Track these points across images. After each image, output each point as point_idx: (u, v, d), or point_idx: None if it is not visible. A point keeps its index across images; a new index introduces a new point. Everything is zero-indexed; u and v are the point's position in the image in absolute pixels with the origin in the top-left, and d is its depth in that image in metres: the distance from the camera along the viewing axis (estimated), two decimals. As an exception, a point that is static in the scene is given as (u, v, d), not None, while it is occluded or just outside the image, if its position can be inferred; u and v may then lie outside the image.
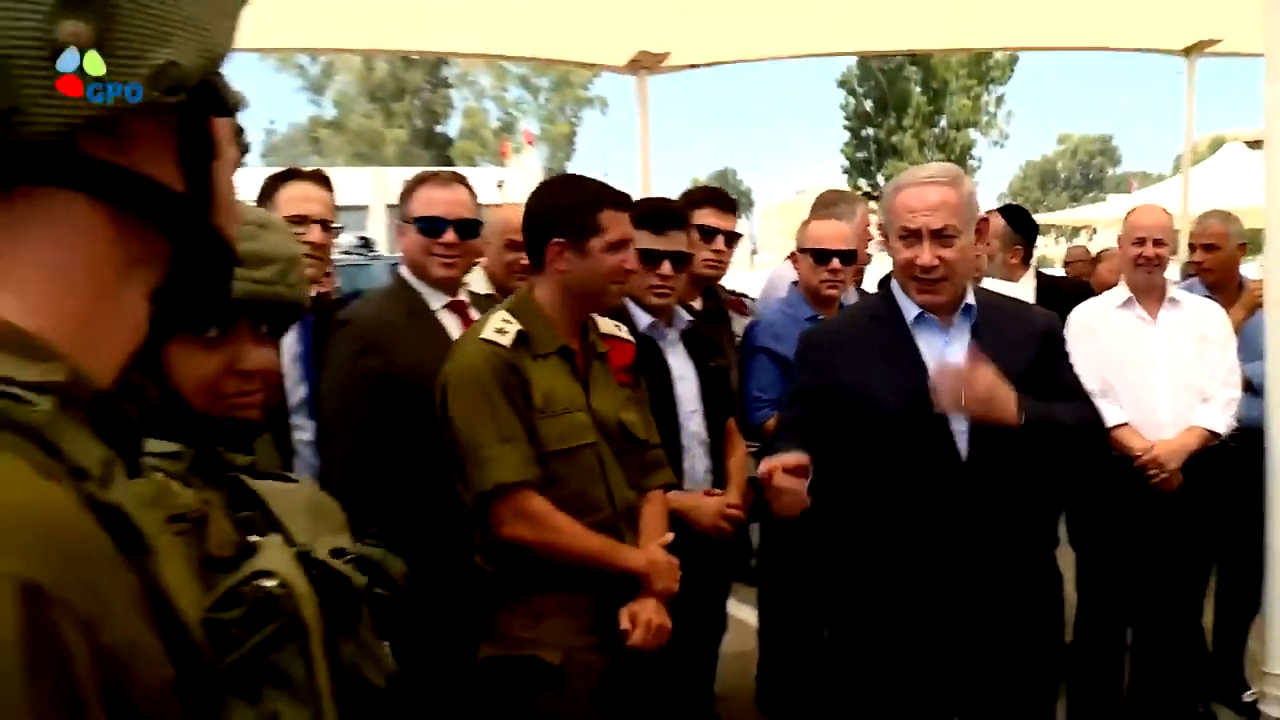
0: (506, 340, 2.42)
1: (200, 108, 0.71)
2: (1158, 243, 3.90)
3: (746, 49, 6.58)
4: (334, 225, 2.96)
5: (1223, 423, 3.81)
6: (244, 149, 0.83)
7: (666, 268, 3.04)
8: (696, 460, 3.11)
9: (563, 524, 2.42)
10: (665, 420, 2.99)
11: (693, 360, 3.16)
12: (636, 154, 6.36)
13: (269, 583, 0.82)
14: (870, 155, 37.00)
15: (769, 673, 4.01)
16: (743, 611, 4.39)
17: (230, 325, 1.36)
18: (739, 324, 3.86)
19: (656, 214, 3.10)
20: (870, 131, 38.73)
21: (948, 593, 2.47)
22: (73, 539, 0.57)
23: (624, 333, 2.73)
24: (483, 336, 2.43)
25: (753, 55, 6.86)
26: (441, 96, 51.23)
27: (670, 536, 2.59)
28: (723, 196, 3.75)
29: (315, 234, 2.75)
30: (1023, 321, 2.63)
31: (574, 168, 45.16)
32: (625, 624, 2.43)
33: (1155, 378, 3.86)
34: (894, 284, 2.61)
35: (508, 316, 2.49)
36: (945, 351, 2.50)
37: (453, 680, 2.53)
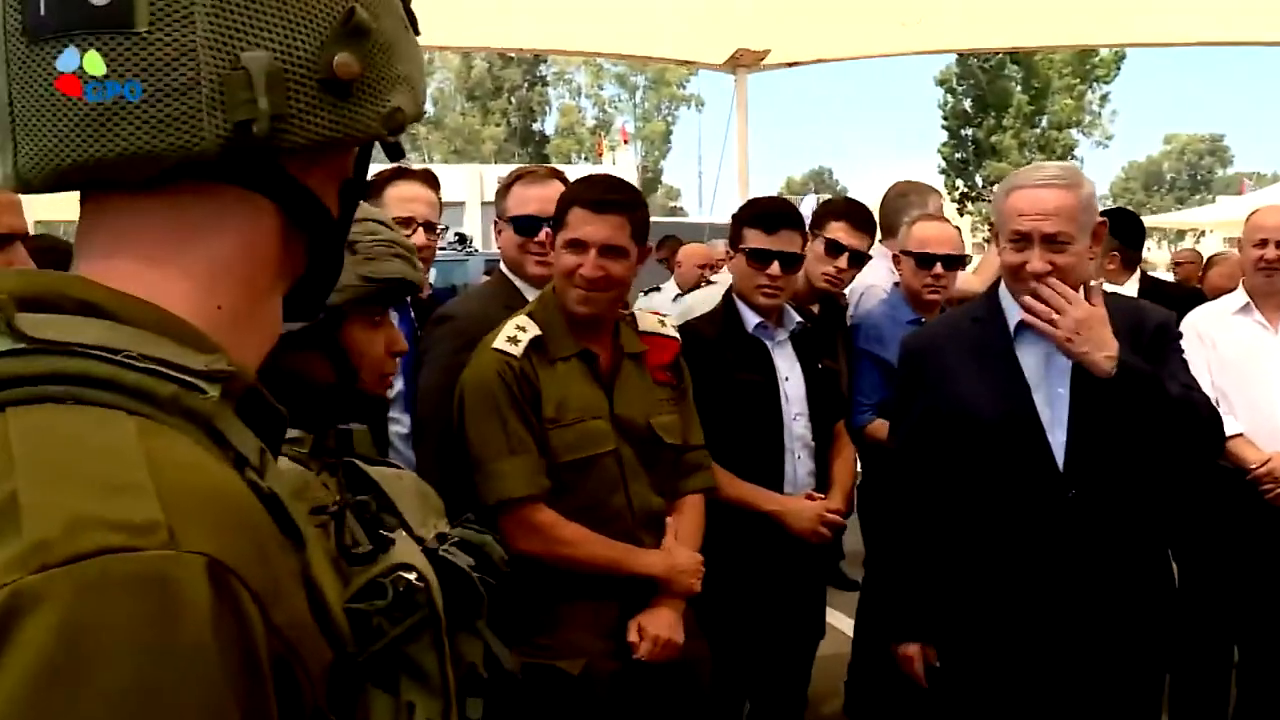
0: (517, 349, 2.38)
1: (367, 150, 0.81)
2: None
3: (845, 47, 6.51)
4: (439, 226, 2.97)
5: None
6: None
7: (775, 268, 2.99)
8: (799, 463, 3.07)
9: (573, 535, 2.38)
10: (769, 421, 2.98)
11: (801, 361, 3.11)
12: (733, 152, 6.33)
13: (410, 575, 0.87)
14: (968, 155, 36.39)
15: (860, 680, 3.94)
16: (834, 617, 4.33)
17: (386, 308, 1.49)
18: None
19: (767, 213, 3.07)
20: (969, 131, 38.09)
21: (1044, 608, 2.40)
22: (250, 522, 0.61)
23: (668, 329, 2.66)
24: (494, 346, 2.40)
25: (851, 53, 6.79)
26: (538, 94, 51.68)
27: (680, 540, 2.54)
28: (860, 213, 3.64)
29: (420, 238, 2.75)
30: (1135, 320, 2.50)
31: (669, 165, 45.32)
32: (633, 637, 2.40)
33: (1274, 387, 3.70)
34: (1001, 287, 2.54)
35: (523, 322, 2.45)
36: (1049, 360, 2.42)
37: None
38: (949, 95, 39.11)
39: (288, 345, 1.28)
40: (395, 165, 2.67)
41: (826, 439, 3.17)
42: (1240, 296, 3.85)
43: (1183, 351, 2.61)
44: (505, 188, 2.97)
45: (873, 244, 3.67)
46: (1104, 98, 39.07)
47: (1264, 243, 3.76)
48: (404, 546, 0.92)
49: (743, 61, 6.16)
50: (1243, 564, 3.70)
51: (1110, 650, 2.43)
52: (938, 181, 33.96)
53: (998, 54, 31.44)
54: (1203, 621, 3.76)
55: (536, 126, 51.80)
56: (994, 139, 35.87)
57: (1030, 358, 2.44)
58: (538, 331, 2.43)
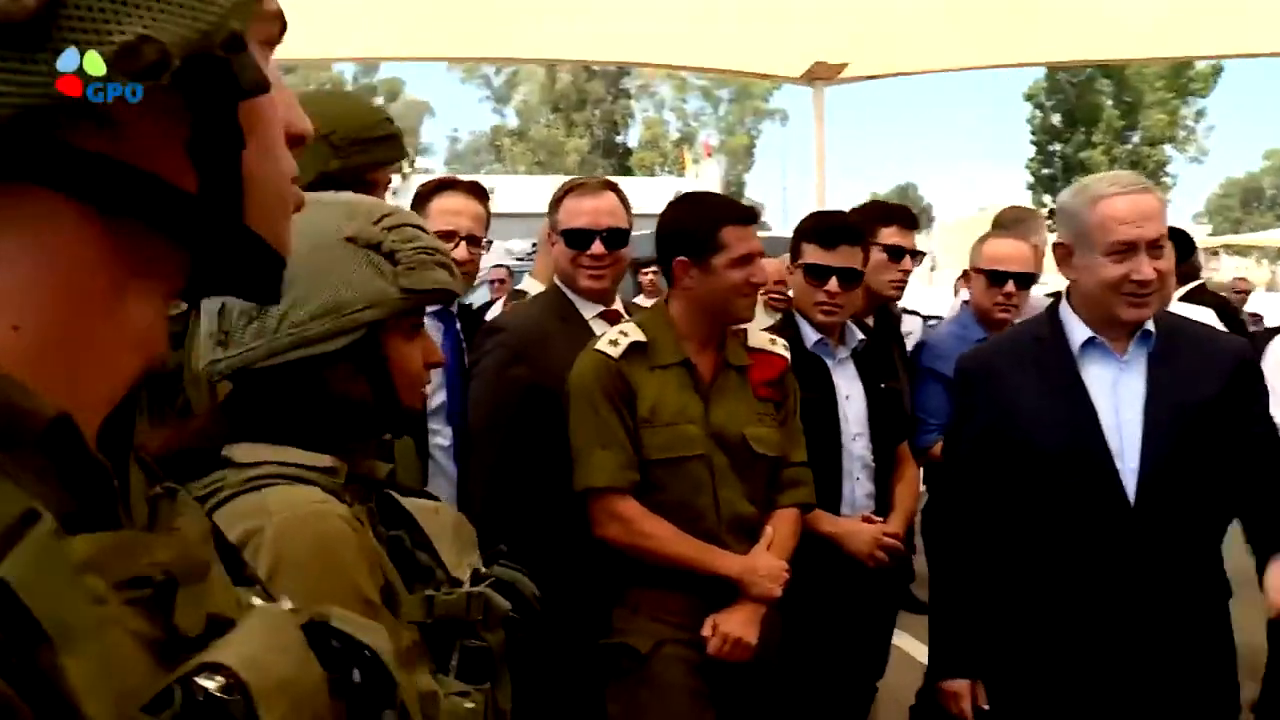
0: (617, 351, 2.50)
1: (222, 91, 0.58)
2: None
3: (926, 60, 6.41)
4: (484, 240, 2.97)
5: None
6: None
7: (834, 284, 2.95)
8: (858, 485, 3.02)
9: (655, 529, 2.47)
10: (827, 441, 2.93)
11: (863, 381, 3.07)
12: (813, 166, 6.29)
13: (211, 683, 0.54)
14: (1056, 172, 35.79)
15: (927, 706, 3.86)
16: (905, 641, 4.25)
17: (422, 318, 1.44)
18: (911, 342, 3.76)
19: (826, 229, 3.04)
20: (1057, 147, 37.50)
21: (1111, 645, 2.30)
22: None
23: (779, 348, 2.70)
24: (596, 347, 2.53)
25: (933, 66, 6.68)
26: (622, 107, 51.99)
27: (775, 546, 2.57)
28: (906, 213, 3.65)
29: (461, 252, 2.76)
30: (1209, 350, 2.41)
31: (752, 179, 45.30)
32: (706, 631, 2.46)
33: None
34: (1062, 305, 2.44)
35: (627, 329, 2.57)
36: (1118, 381, 2.34)
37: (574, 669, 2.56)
38: (1037, 111, 38.55)
39: (324, 364, 1.32)
40: (441, 177, 2.67)
41: (888, 460, 3.11)
42: None
43: (1267, 392, 2.51)
44: (557, 200, 2.94)
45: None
46: (1200, 112, 38.14)
47: None
48: (244, 634, 0.59)
49: (820, 74, 6.11)
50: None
51: (1171, 699, 2.32)
52: (1025, 198, 33.47)
53: (1086, 67, 30.91)
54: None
55: (620, 139, 52.08)
56: (1083, 155, 35.25)
57: (1097, 379, 2.35)
58: (640, 337, 2.54)
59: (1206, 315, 3.86)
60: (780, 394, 2.67)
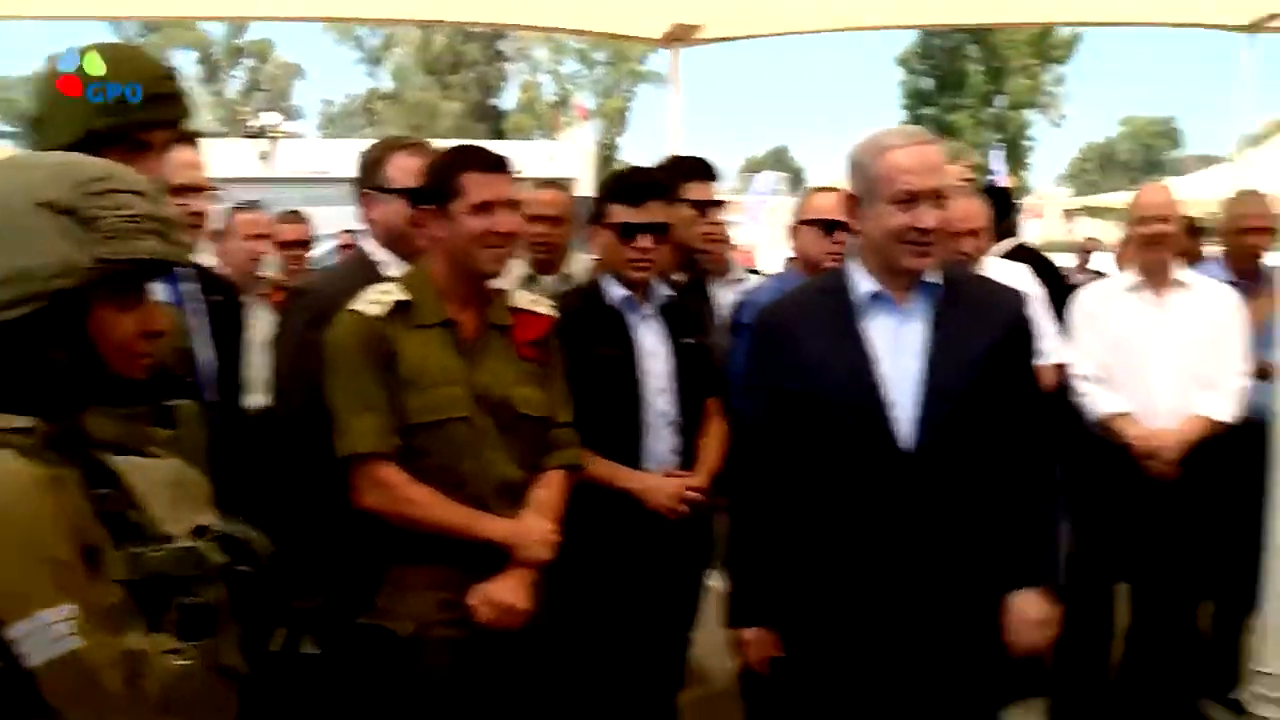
0: (377, 310, 2.43)
1: None
2: (1163, 220, 3.77)
3: (789, 21, 6.42)
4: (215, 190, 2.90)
5: (1229, 412, 3.70)
6: None
7: (643, 241, 2.97)
8: (661, 440, 3.02)
9: (419, 495, 2.41)
10: (629, 397, 2.95)
11: (670, 336, 3.08)
12: (679, 129, 6.26)
13: None
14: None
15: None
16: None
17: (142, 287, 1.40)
18: (724, 296, 3.81)
19: (630, 186, 3.05)
20: (927, 110, 38.21)
21: (893, 590, 2.35)
22: None
23: (542, 307, 2.68)
24: (354, 307, 2.45)
25: (795, 28, 6.69)
26: (497, 70, 51.22)
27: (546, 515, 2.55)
28: (706, 166, 3.70)
29: (202, 204, 2.70)
30: (989, 303, 2.48)
31: (627, 143, 45.07)
32: (473, 600, 2.42)
33: (1158, 363, 3.75)
34: (850, 259, 2.49)
35: (390, 287, 2.49)
36: (899, 332, 2.38)
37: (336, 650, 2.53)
38: (910, 74, 39.21)
39: (19, 329, 1.26)
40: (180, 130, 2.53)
41: (696, 415, 3.11)
42: (1131, 275, 3.89)
43: (1035, 355, 2.60)
44: (377, 159, 2.87)
45: None
46: (1060, 79, 39.26)
47: (1147, 220, 3.79)
48: None
49: (678, 36, 6.10)
50: (1130, 538, 3.75)
51: (962, 636, 2.39)
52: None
53: (949, 30, 31.51)
54: (1088, 590, 3.82)
55: (495, 103, 51.34)
56: (951, 118, 36.02)
57: (879, 330, 2.39)
58: (402, 296, 2.47)
59: (1021, 271, 4.01)
60: (545, 354, 2.63)
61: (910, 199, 2.30)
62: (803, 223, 3.64)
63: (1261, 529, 3.66)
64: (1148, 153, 52.49)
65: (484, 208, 2.45)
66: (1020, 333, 2.49)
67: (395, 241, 2.84)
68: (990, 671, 2.51)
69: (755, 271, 4.98)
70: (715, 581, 3.34)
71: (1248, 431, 3.71)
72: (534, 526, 2.50)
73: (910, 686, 2.38)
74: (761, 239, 15.28)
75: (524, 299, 2.67)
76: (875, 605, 2.36)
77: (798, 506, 2.42)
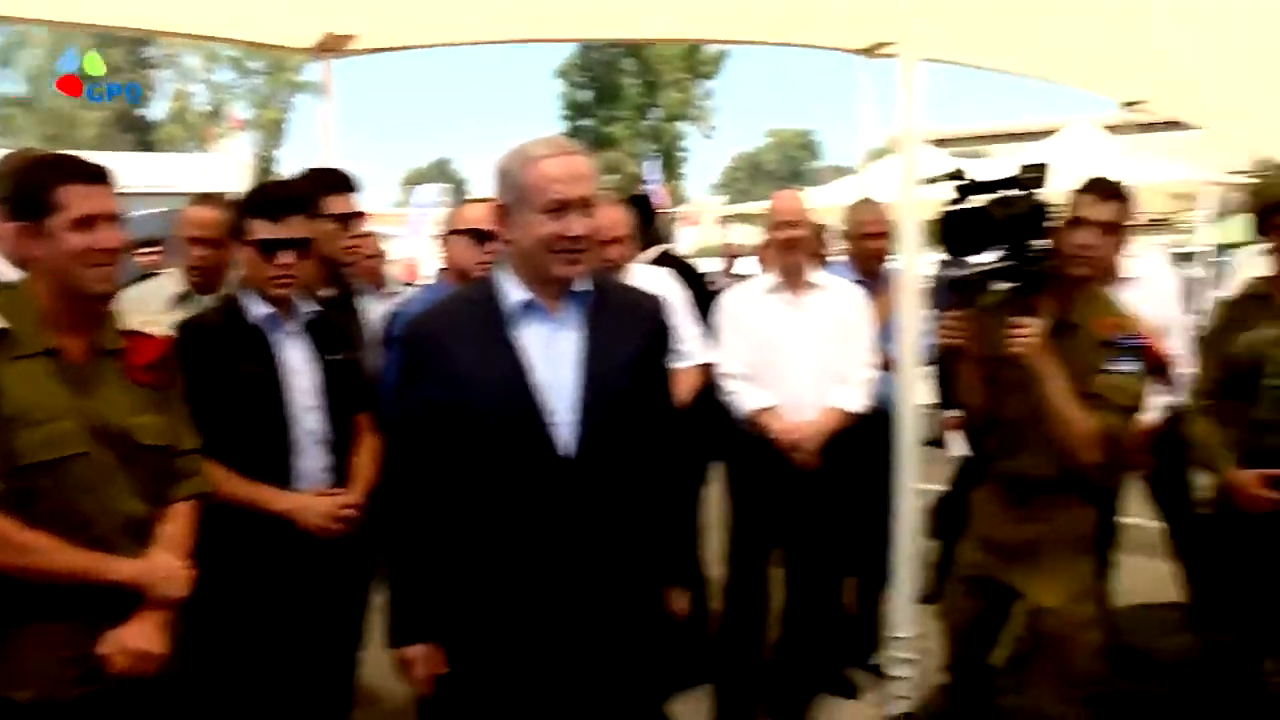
0: None
1: None
2: (795, 225, 4.02)
3: (447, 32, 6.37)
4: None
5: (859, 402, 4.00)
6: None
7: (284, 257, 2.88)
8: (311, 458, 2.94)
9: (34, 542, 2.21)
10: (274, 416, 2.86)
11: (317, 352, 3.00)
12: (339, 142, 6.06)
13: None
14: (585, 146, 37.44)
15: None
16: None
17: None
18: (378, 310, 3.75)
19: (270, 201, 2.93)
20: (586, 122, 39.17)
21: (559, 597, 2.38)
22: None
23: (154, 329, 2.53)
24: None
25: (453, 39, 6.65)
26: (140, 76, 48.00)
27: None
28: (345, 178, 3.63)
29: None
30: (633, 310, 2.55)
31: (286, 155, 43.47)
32: (104, 650, 2.27)
33: (798, 360, 3.99)
34: (498, 269, 2.49)
35: None
36: (552, 340, 2.40)
37: None
38: (569, 87, 40.05)
39: None
40: None
41: (347, 432, 3.05)
42: (771, 276, 4.13)
43: (671, 364, 2.68)
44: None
45: None
46: (710, 92, 41.29)
47: (781, 225, 4.03)
48: None
49: (330, 46, 5.92)
50: (782, 523, 3.99)
51: (616, 636, 2.45)
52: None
53: (604, 46, 32.45)
54: (743, 579, 4.04)
55: (143, 112, 48.14)
56: (609, 130, 37.08)
57: (531, 338, 2.39)
58: (4, 324, 2.25)
59: (664, 277, 4.19)
60: (162, 378, 2.49)
61: (560, 208, 2.32)
62: (453, 232, 3.63)
63: (891, 509, 4.00)
64: (791, 163, 56.14)
65: (85, 223, 2.27)
66: (661, 337, 2.58)
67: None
68: (654, 666, 2.59)
69: (414, 284, 4.93)
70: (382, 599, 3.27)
71: (877, 420, 4.03)
72: (163, 564, 2.36)
73: (579, 689, 2.41)
74: (424, 251, 15.18)
75: (135, 321, 2.50)
76: (540, 612, 2.37)
77: (456, 519, 2.39)
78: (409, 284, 4.88)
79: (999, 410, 3.28)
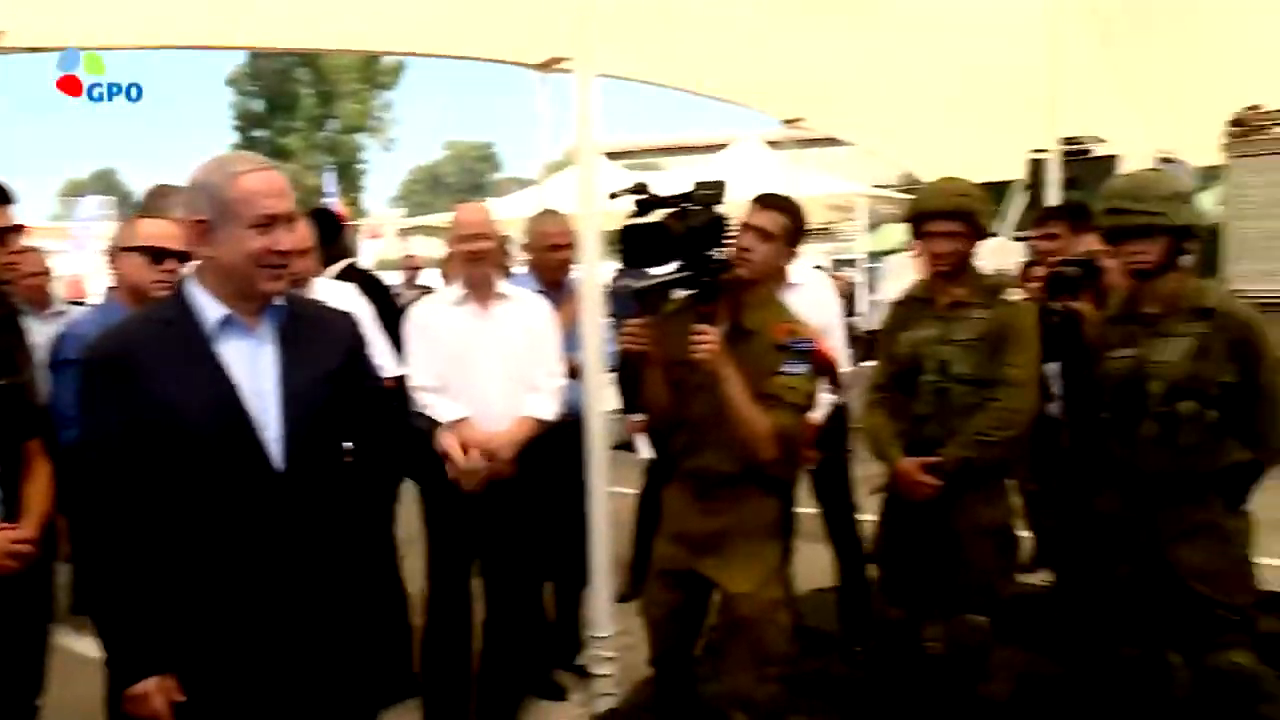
0: None
1: None
2: (482, 237, 4.05)
3: (105, 34, 5.95)
4: None
5: (551, 410, 4.08)
6: None
7: None
8: None
9: None
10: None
11: None
12: None
13: None
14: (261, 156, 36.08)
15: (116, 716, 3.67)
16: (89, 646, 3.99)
17: None
18: (45, 331, 3.49)
19: None
20: (260, 133, 37.75)
21: (279, 609, 2.36)
22: None
23: None
24: None
25: (112, 41, 6.22)
26: None
27: None
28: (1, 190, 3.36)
29: None
30: (329, 325, 2.56)
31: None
32: None
33: (489, 371, 4.02)
34: (191, 286, 2.40)
35: None
36: (255, 356, 2.37)
37: None
38: (240, 96, 38.45)
39: None
40: None
41: (16, 462, 2.86)
42: (458, 289, 4.14)
43: (372, 375, 2.70)
44: None
45: None
46: (388, 104, 40.73)
47: (467, 237, 4.05)
48: None
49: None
50: (480, 534, 4.01)
51: (331, 648, 2.45)
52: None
53: (276, 54, 31.43)
54: (445, 586, 4.04)
55: None
56: (284, 141, 35.87)
57: (234, 355, 2.36)
58: None
59: (349, 291, 4.12)
60: None
61: (269, 222, 2.31)
62: (125, 249, 3.44)
63: (585, 513, 4.11)
64: (470, 175, 56.21)
65: None
66: (359, 353, 2.60)
67: None
68: (364, 678, 2.58)
69: (80, 303, 4.60)
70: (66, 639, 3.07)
71: (567, 427, 4.13)
72: None
73: (296, 703, 2.40)
74: (89, 268, 14.15)
75: None
76: (262, 625, 2.34)
77: (162, 542, 2.30)
78: (76, 303, 4.53)
79: (683, 411, 3.44)
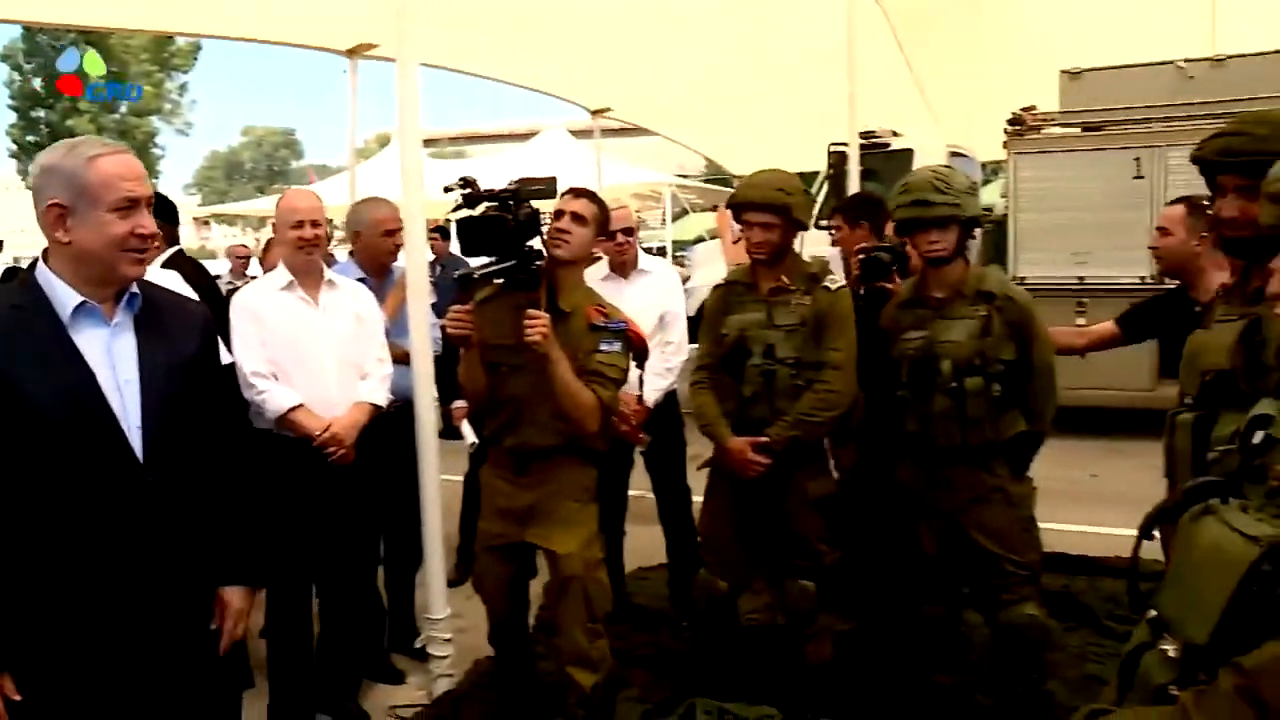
0: None
1: None
2: (314, 224, 4.06)
3: None
4: None
5: (381, 396, 4.12)
6: None
7: None
8: None
9: None
10: None
11: None
12: None
13: None
14: (43, 139, 34.00)
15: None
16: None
17: None
18: None
19: None
20: (41, 113, 35.67)
21: (137, 601, 2.33)
22: None
23: None
24: None
25: None
26: None
27: None
28: None
29: None
30: (182, 313, 2.56)
31: None
32: None
33: (322, 358, 4.03)
34: (41, 272, 2.35)
35: None
36: (111, 344, 2.34)
37: None
38: (16, 73, 36.22)
39: None
40: None
41: None
42: (284, 274, 4.12)
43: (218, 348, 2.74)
44: None
45: None
46: (183, 87, 39.06)
47: (300, 224, 4.05)
48: None
49: None
50: (310, 521, 4.01)
51: (191, 639, 2.47)
52: (11, 166, 31.34)
53: (58, 31, 29.85)
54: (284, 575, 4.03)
55: None
56: (70, 122, 33.98)
57: (90, 343, 2.32)
58: None
59: (174, 279, 4.05)
60: None
61: (130, 205, 2.30)
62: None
63: (418, 494, 4.17)
64: (270, 162, 54.48)
65: None
66: (212, 341, 2.62)
67: None
68: (226, 667, 2.61)
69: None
70: None
71: (397, 413, 4.20)
72: None
73: (152, 696, 2.38)
74: None
75: None
76: (120, 617, 2.31)
77: (10, 536, 2.24)
78: None
79: (501, 392, 3.58)
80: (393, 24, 4.05)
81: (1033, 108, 9.79)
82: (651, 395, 4.57)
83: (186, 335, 2.48)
